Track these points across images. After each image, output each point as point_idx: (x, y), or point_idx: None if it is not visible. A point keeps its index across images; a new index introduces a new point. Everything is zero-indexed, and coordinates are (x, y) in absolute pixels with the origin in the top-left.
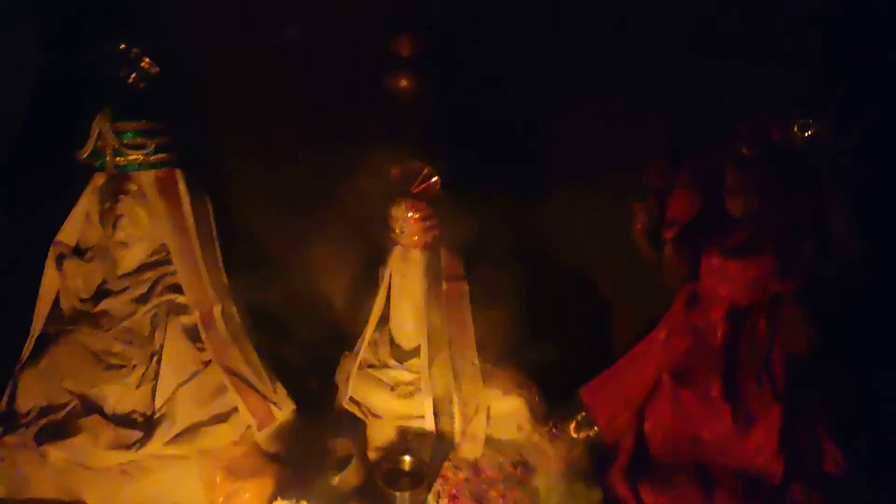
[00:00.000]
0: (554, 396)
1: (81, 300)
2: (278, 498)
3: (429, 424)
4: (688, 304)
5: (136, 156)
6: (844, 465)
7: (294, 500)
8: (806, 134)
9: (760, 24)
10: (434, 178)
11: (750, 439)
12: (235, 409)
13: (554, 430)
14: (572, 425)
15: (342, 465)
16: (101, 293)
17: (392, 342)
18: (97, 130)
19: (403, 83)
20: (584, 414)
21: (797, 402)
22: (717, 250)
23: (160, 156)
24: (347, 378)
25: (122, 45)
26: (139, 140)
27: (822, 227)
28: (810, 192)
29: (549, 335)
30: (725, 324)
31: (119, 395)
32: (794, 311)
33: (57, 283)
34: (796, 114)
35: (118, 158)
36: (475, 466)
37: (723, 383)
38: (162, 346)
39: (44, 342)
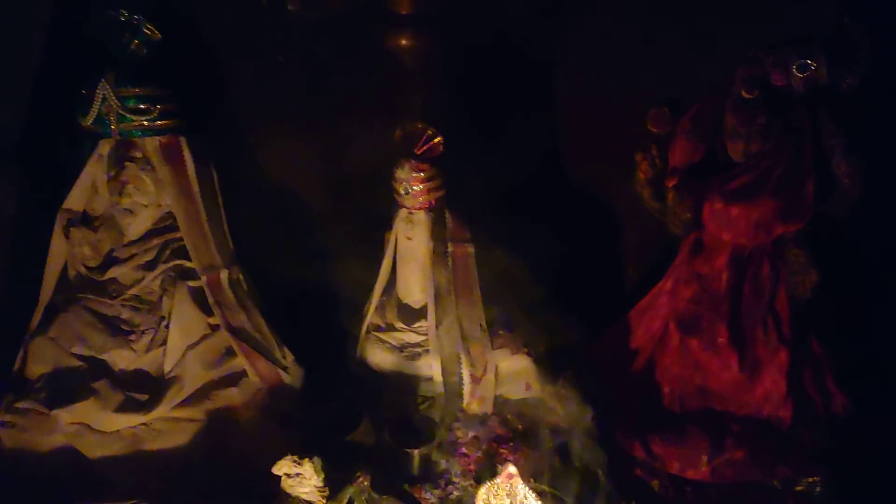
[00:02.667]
0: (562, 354)
1: (89, 268)
2: (288, 454)
3: (437, 385)
4: (692, 252)
5: (139, 121)
6: (851, 407)
7: (307, 458)
8: (804, 75)
9: None
10: (437, 139)
11: (758, 385)
12: (244, 373)
13: (562, 389)
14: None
15: (353, 425)
16: (109, 260)
17: (399, 305)
18: (101, 96)
19: (403, 42)
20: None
21: (803, 346)
22: (718, 195)
23: (164, 122)
24: (356, 341)
25: (125, 13)
26: (143, 106)
27: (823, 168)
28: (811, 134)
29: (556, 293)
30: (729, 270)
31: (128, 360)
32: (797, 254)
33: (65, 252)
34: (795, 55)
35: (122, 125)
36: (484, 425)
37: (729, 330)
38: (170, 312)
39: (53, 310)
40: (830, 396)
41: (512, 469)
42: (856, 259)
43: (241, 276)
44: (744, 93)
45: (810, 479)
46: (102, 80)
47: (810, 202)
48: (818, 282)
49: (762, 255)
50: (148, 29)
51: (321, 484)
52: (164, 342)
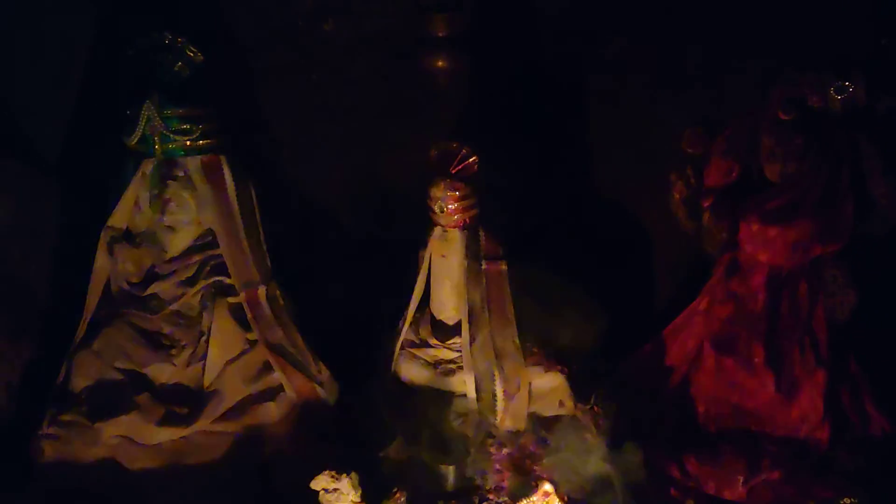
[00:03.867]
0: (596, 372)
1: (131, 284)
2: (326, 470)
3: (471, 402)
4: (727, 272)
5: (182, 141)
6: (890, 429)
7: (345, 473)
8: (842, 97)
9: None
10: (472, 158)
11: (794, 406)
12: (281, 388)
13: (595, 407)
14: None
15: (387, 440)
16: (151, 277)
17: (433, 321)
18: (145, 117)
19: (440, 63)
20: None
21: (841, 367)
22: (755, 216)
23: (206, 141)
24: (391, 357)
25: (169, 35)
26: (186, 126)
27: (861, 190)
28: (848, 155)
29: (591, 310)
30: (766, 290)
31: (169, 374)
32: (834, 276)
33: (108, 268)
34: (833, 77)
35: (166, 144)
36: (518, 442)
37: (765, 350)
38: (210, 327)
39: (96, 325)
40: (868, 418)
41: (548, 487)
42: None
43: (278, 292)
44: (781, 114)
45: (848, 501)
46: (147, 101)
47: (849, 223)
48: (856, 302)
49: (799, 275)
50: (191, 51)
51: (358, 499)
52: (204, 357)
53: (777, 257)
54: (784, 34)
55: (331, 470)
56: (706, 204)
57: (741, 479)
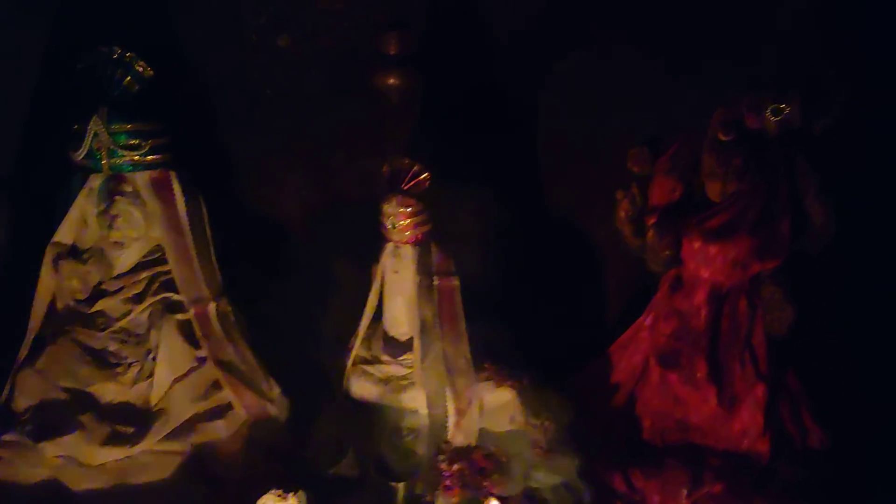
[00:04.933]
0: (546, 387)
1: (77, 300)
2: (272, 489)
3: (422, 418)
4: (672, 288)
5: (130, 157)
6: (829, 442)
7: (292, 492)
8: (778, 118)
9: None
10: (424, 175)
11: (736, 420)
12: (231, 406)
13: (545, 423)
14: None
15: (338, 458)
16: (97, 293)
17: (385, 338)
18: (92, 132)
19: (392, 81)
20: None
21: (780, 381)
22: (697, 234)
23: (155, 156)
24: (342, 373)
25: (118, 49)
26: (134, 141)
27: (797, 208)
28: (785, 175)
29: (541, 327)
30: (708, 306)
31: (115, 393)
32: (773, 291)
33: (53, 284)
34: (770, 99)
35: (113, 160)
36: (469, 458)
37: (708, 365)
38: (157, 345)
39: (41, 342)
40: (807, 431)
41: (495, 502)
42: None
43: (228, 309)
44: (720, 135)
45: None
46: (95, 115)
47: (786, 241)
48: (794, 318)
49: (739, 291)
50: (140, 65)
51: None
52: (151, 375)
53: (718, 274)
54: (726, 58)
55: (277, 489)
56: (650, 222)
57: (685, 492)
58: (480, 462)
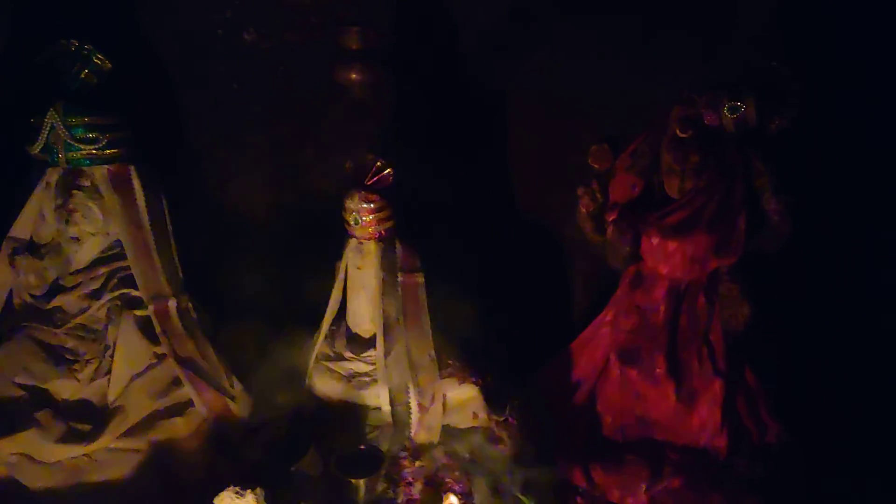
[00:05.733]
0: (509, 384)
1: (34, 296)
2: (230, 485)
3: (385, 415)
4: (632, 284)
5: (88, 150)
6: (785, 437)
7: (249, 489)
8: (735, 116)
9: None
10: (387, 171)
11: (694, 415)
12: (190, 403)
13: (508, 419)
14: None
15: (299, 455)
16: (55, 289)
17: (349, 334)
18: (48, 125)
19: (354, 76)
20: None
21: (737, 376)
22: (656, 230)
23: (113, 150)
24: (305, 370)
25: (75, 42)
26: (91, 135)
27: (754, 206)
28: (742, 173)
29: (504, 323)
30: (667, 302)
31: (72, 390)
32: (730, 288)
33: (10, 279)
34: (726, 97)
35: (70, 153)
36: (431, 454)
37: (667, 361)
38: (115, 341)
39: None
40: (765, 426)
41: (453, 499)
42: (790, 290)
43: (189, 305)
44: (678, 132)
45: None
46: (51, 109)
47: (741, 238)
48: (750, 315)
49: (697, 288)
50: (98, 58)
51: None
52: (109, 372)
53: (676, 270)
54: (686, 56)
55: (235, 486)
56: (610, 218)
57: (643, 486)
58: (443, 459)
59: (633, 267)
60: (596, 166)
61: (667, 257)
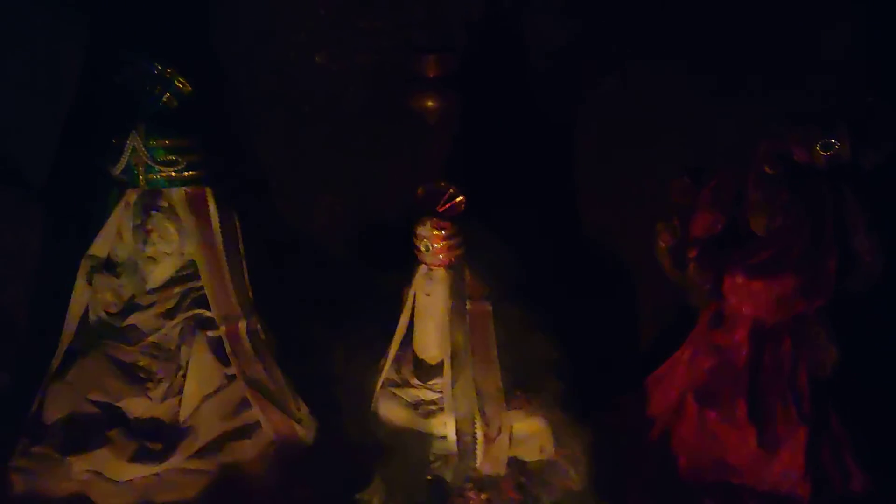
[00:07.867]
0: (578, 418)
1: (110, 314)
2: None
3: (451, 444)
4: (712, 323)
5: (167, 172)
6: (871, 486)
7: None
8: (828, 153)
9: (783, 40)
10: (459, 198)
11: (776, 462)
12: (258, 425)
13: (577, 454)
14: None
15: (364, 482)
16: (130, 307)
17: (415, 361)
18: (130, 147)
19: (429, 103)
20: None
21: (822, 423)
22: (740, 269)
23: (191, 173)
24: (371, 396)
25: (158, 65)
26: (171, 157)
27: (845, 245)
28: (832, 211)
29: (575, 356)
30: (749, 344)
31: (144, 409)
32: (817, 331)
33: (87, 297)
34: (818, 132)
35: (150, 175)
36: (497, 487)
37: (748, 404)
38: (188, 361)
39: (72, 355)
40: (850, 474)
41: None
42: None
43: (259, 327)
44: (767, 168)
45: None
46: (133, 131)
47: (832, 279)
48: (838, 359)
49: (783, 330)
50: (180, 82)
51: None
52: (181, 391)
53: (761, 311)
54: (773, 87)
55: None
56: (691, 255)
57: None
58: (509, 492)
59: (714, 305)
60: (679, 201)
61: (751, 297)
